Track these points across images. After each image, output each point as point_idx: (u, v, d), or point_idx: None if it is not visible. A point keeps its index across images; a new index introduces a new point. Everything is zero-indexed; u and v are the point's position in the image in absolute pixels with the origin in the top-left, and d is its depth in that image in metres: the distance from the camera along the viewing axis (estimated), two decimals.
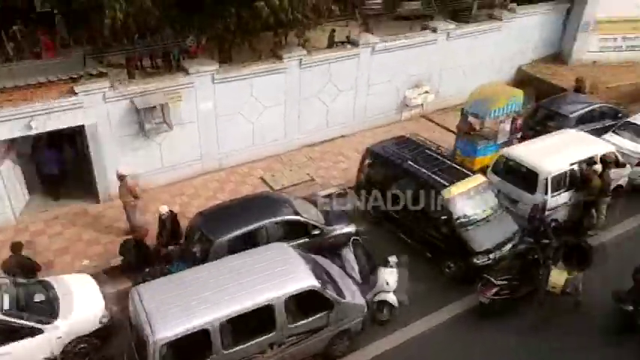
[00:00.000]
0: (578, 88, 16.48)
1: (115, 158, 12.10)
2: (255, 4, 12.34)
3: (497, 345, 9.16)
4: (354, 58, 15.17)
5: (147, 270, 9.25)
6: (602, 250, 9.79)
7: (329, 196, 12.27)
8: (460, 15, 18.35)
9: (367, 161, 12.07)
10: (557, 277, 9.22)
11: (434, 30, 16.59)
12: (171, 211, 10.39)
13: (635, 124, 13.79)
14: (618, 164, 11.91)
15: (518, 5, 18.58)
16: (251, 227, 9.61)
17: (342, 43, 15.84)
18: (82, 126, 11.52)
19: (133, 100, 11.91)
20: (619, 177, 12.08)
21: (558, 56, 20.06)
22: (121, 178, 10.76)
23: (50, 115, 10.93)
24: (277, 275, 8.14)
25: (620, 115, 14.95)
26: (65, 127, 11.39)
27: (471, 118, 13.44)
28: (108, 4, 11.04)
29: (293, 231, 9.99)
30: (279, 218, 9.95)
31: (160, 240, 10.33)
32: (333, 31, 16.05)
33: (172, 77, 12.63)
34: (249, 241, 9.37)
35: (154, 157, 12.86)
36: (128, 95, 11.89)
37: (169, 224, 10.21)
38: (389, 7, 21.45)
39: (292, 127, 14.91)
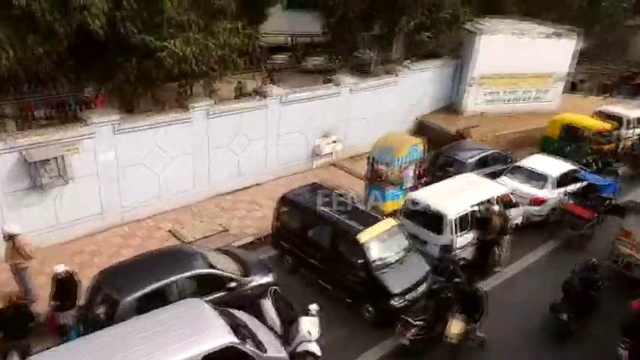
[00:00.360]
0: (461, 137, 18.24)
1: (5, 216, 10.86)
2: (158, 54, 12.13)
3: None
4: (263, 109, 15.34)
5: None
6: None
7: (244, 246, 11.90)
8: (361, 70, 19.45)
9: (282, 209, 11.98)
10: (456, 326, 9.37)
11: (337, 83, 17.36)
12: (68, 270, 9.38)
13: (523, 167, 15.18)
14: (513, 204, 12.93)
15: (412, 62, 20.14)
16: (161, 283, 8.94)
17: (250, 94, 16.01)
18: None
19: (24, 153, 10.90)
20: (516, 216, 13.08)
21: (452, 107, 21.87)
22: (9, 237, 9.60)
23: None
24: (192, 333, 7.57)
25: (509, 160, 16.45)
26: None
27: (378, 166, 13.97)
28: None
29: (208, 285, 9.44)
30: (191, 272, 9.36)
31: (55, 304, 9.22)
32: (239, 83, 16.21)
33: (68, 128, 11.80)
34: (160, 299, 8.66)
35: (48, 214, 11.73)
36: (18, 147, 10.87)
37: (67, 285, 9.19)
38: (293, 62, 22.28)
39: (202, 178, 14.50)
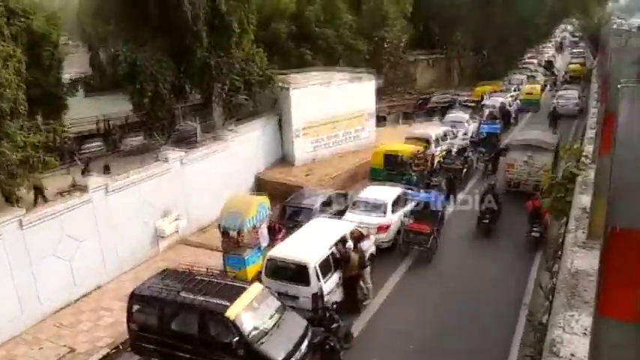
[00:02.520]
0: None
1: None
2: None
3: None
4: (87, 203, 13.82)
5: None
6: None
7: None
8: (187, 142, 19.00)
9: (135, 307, 10.66)
10: None
11: (165, 160, 16.62)
12: None
13: (361, 200, 16.10)
14: (363, 236, 13.52)
15: (236, 125, 20.39)
16: None
17: (68, 192, 14.38)
18: None
19: None
20: (369, 247, 13.67)
21: (285, 159, 22.53)
22: None
23: None
24: None
25: (349, 196, 17.34)
26: None
27: (230, 233, 13.51)
28: None
29: None
30: None
31: None
32: (36, 188, 14.59)
33: None
34: None
35: None
36: None
37: None
38: (111, 146, 20.92)
39: (29, 298, 12.31)
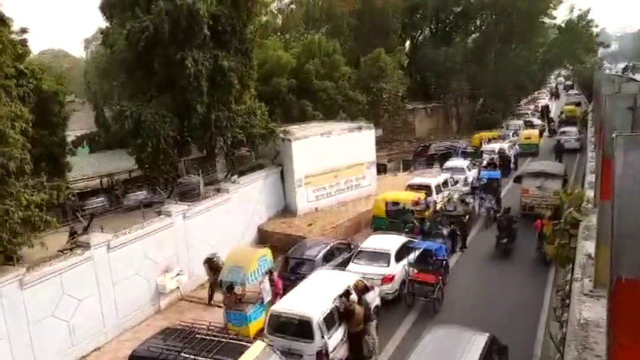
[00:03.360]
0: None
1: None
2: None
3: None
4: (88, 261, 13.74)
5: None
6: None
7: None
8: (190, 195, 19.09)
9: None
10: None
11: (168, 214, 16.64)
12: None
13: (364, 250, 15.95)
14: (368, 288, 13.28)
15: (239, 177, 20.55)
16: None
17: (70, 249, 14.31)
18: None
19: None
20: (373, 299, 13.39)
21: (287, 209, 22.54)
22: None
23: None
24: None
25: (352, 246, 17.20)
26: None
27: (234, 287, 13.31)
28: None
29: None
30: None
31: None
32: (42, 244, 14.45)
33: None
34: None
35: None
36: None
37: None
38: (114, 202, 20.99)
39: None
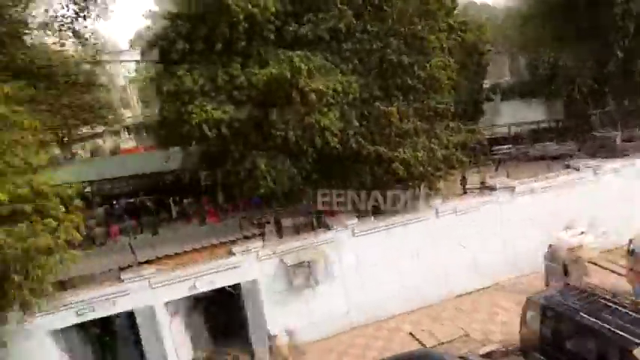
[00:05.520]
0: None
1: (268, 314, 12.47)
2: (393, 165, 12.90)
3: None
4: (494, 203, 14.76)
5: None
6: None
7: (489, 354, 10.90)
8: (604, 150, 17.32)
9: (529, 314, 10.73)
10: None
11: (577, 168, 15.75)
12: None
13: None
14: None
15: None
16: None
17: (479, 188, 15.59)
18: (239, 284, 12.25)
19: (283, 258, 12.48)
20: None
21: None
22: (273, 338, 10.84)
23: (212, 275, 11.86)
24: None
25: None
26: (224, 285, 12.19)
27: None
28: (260, 175, 12.25)
29: None
30: None
31: None
32: (464, 178, 15.91)
33: (315, 235, 13.20)
34: None
35: (301, 314, 12.94)
36: (278, 253, 12.54)
37: None
38: (520, 151, 21.15)
39: (438, 277, 14.29)
